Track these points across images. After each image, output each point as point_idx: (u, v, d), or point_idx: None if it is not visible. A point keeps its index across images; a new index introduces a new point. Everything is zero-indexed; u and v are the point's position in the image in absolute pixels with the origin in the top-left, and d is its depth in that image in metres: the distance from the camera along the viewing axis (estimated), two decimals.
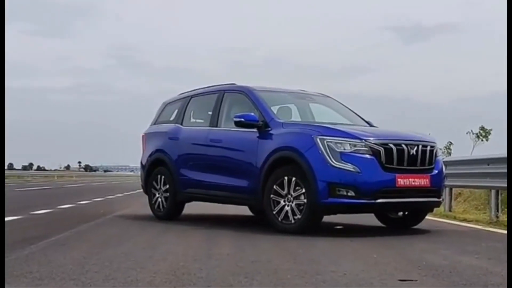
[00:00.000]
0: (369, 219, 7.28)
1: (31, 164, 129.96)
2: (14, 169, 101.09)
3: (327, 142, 6.01)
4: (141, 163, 8.58)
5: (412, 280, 3.59)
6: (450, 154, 19.96)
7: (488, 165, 8.58)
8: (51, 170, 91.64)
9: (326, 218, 6.58)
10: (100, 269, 3.82)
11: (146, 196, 8.59)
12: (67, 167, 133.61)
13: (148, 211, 8.42)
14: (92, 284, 3.33)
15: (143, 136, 8.73)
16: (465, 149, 21.48)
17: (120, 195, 17.16)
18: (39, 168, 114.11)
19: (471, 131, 21.06)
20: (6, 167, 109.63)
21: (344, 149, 6.00)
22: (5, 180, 43.27)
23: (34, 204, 11.29)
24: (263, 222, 7.32)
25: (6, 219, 7.48)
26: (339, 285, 3.43)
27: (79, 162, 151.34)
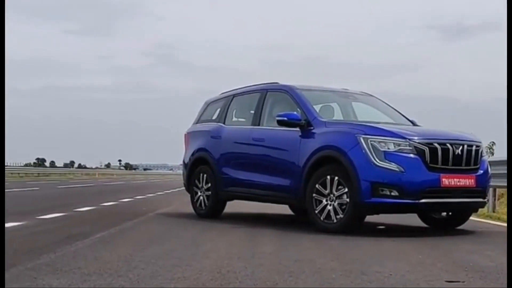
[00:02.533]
0: (412, 220, 7.20)
1: (72, 162, 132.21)
2: (56, 166, 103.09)
3: (370, 141, 5.97)
4: (184, 161, 8.66)
5: (459, 282, 3.54)
6: (492, 154, 19.60)
7: None
8: (92, 168, 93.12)
9: (368, 218, 6.53)
10: (146, 266, 3.87)
11: (187, 194, 8.67)
12: (108, 165, 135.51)
13: (189, 209, 8.49)
14: (140, 281, 3.38)
15: (185, 135, 8.80)
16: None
17: (160, 193, 17.34)
18: (80, 166, 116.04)
19: None
20: (48, 165, 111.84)
21: (388, 148, 5.95)
22: (48, 177, 44.19)
23: (77, 202, 11.50)
24: (304, 221, 7.31)
25: (52, 215, 7.65)
26: (385, 285, 3.41)
27: (120, 160, 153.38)
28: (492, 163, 9.24)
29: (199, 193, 8.09)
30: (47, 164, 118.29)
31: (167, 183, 32.65)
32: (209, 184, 7.90)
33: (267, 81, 7.75)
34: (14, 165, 63.17)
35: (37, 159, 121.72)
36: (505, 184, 9.74)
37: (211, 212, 7.92)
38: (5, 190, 17.42)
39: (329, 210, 6.17)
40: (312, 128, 6.60)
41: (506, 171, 9.38)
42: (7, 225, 6.25)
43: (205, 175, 8.00)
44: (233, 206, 8.65)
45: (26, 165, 79.78)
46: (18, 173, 47.70)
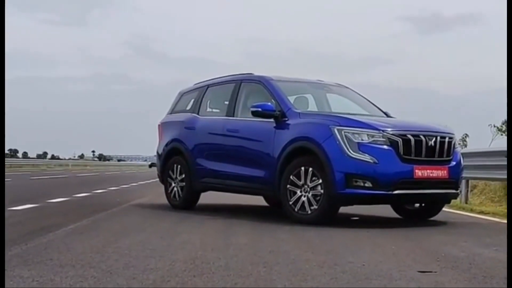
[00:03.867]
0: (385, 210, 7.26)
1: (45, 153, 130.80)
2: (29, 157, 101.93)
3: (344, 132, 5.99)
4: (157, 152, 8.61)
5: (431, 272, 3.57)
6: (465, 146, 19.84)
7: (506, 157, 8.51)
8: (65, 159, 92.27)
9: (342, 209, 6.56)
10: (119, 257, 3.84)
11: (161, 186, 8.62)
12: (81, 156, 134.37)
13: (164, 200, 8.45)
14: (112, 272, 3.35)
15: (159, 125, 8.74)
16: (481, 142, 21.31)
17: (135, 184, 17.24)
18: (53, 157, 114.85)
19: (493, 124, 20.82)
20: (21, 156, 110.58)
21: (362, 140, 5.98)
22: (20, 168, 43.64)
23: (50, 193, 11.37)
24: (279, 212, 7.33)
25: (24, 207, 7.55)
26: (358, 275, 3.42)
27: (93, 151, 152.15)
28: (465, 155, 9.36)
29: (173, 184, 8.05)
30: (19, 155, 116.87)
31: (141, 174, 32.47)
32: (183, 175, 7.87)
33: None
34: None
35: (10, 150, 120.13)
36: (478, 176, 9.88)
37: (185, 203, 7.90)
38: None
39: (303, 201, 6.18)
40: (286, 119, 6.60)
41: (479, 163, 9.50)
42: None
43: (179, 166, 7.96)
44: (208, 198, 8.63)
45: None
46: None
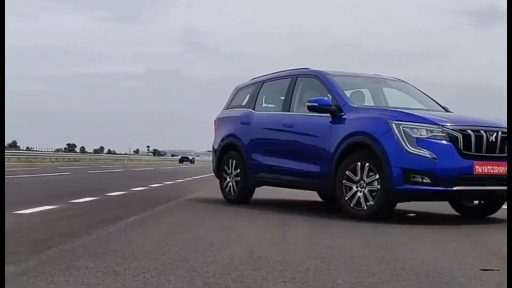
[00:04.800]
0: (443, 207, 7.14)
1: (102, 148, 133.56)
2: (86, 152, 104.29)
3: (402, 127, 5.91)
4: (213, 147, 8.69)
5: (494, 270, 3.50)
6: None
7: None
8: (121, 154, 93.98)
9: (398, 205, 6.49)
10: (179, 250, 3.90)
11: (215, 180, 8.70)
12: (136, 151, 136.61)
13: (218, 195, 8.53)
14: (173, 264, 3.41)
15: (215, 121, 8.83)
16: None
17: (189, 179, 17.46)
18: (109, 152, 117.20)
19: None
20: (78, 150, 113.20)
21: (420, 135, 5.89)
22: (78, 162, 44.75)
23: (108, 186, 11.64)
24: (333, 208, 7.30)
25: (84, 199, 7.75)
26: (419, 273, 3.38)
27: (148, 147, 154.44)
28: None
29: (228, 179, 8.12)
30: (77, 149, 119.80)
31: (194, 169, 32.84)
32: (238, 170, 7.92)
33: (298, 67, 7.72)
34: (46, 150, 64.08)
35: (68, 144, 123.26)
36: None
37: (240, 198, 7.95)
38: (38, 175, 17.71)
39: (359, 197, 6.14)
40: (343, 114, 6.56)
41: None
42: (42, 208, 6.36)
43: (234, 161, 8.02)
44: (262, 192, 8.66)
45: (57, 150, 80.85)
46: (50, 158, 48.41)
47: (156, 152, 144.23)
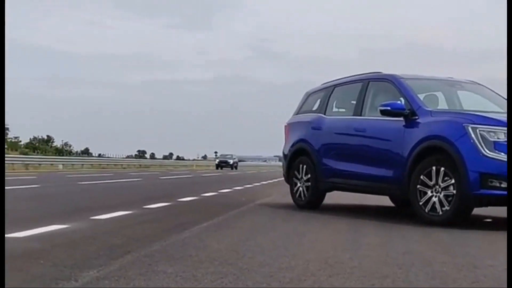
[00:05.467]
0: None
1: (171, 154, 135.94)
2: (156, 158, 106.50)
3: (479, 130, 5.75)
4: (283, 152, 8.70)
5: None
6: None
7: None
8: (189, 160, 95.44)
9: (473, 211, 6.31)
10: (254, 255, 3.92)
11: (284, 185, 8.70)
12: (204, 157, 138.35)
13: (288, 200, 8.53)
14: (249, 270, 3.42)
15: (285, 126, 8.84)
16: None
17: (257, 184, 17.52)
18: (178, 158, 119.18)
19: None
20: (148, 157, 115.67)
21: (498, 138, 5.71)
22: (148, 169, 45.68)
23: (179, 192, 11.83)
24: (406, 213, 7.18)
25: (157, 205, 7.89)
26: (500, 280, 3.28)
27: (216, 152, 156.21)
28: None
29: (299, 184, 8.10)
30: (147, 156, 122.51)
31: (262, 174, 32.97)
32: (309, 175, 7.90)
33: (367, 70, 7.66)
34: (117, 157, 65.80)
35: (138, 151, 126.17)
36: None
37: (310, 203, 7.92)
38: (112, 181, 18.19)
39: (434, 202, 6.00)
40: (416, 117, 6.44)
41: None
42: (117, 213, 6.51)
43: (304, 166, 8.01)
44: (331, 198, 8.61)
45: (128, 156, 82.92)
46: (121, 165, 49.68)
47: None
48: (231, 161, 61.40)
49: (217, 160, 63.28)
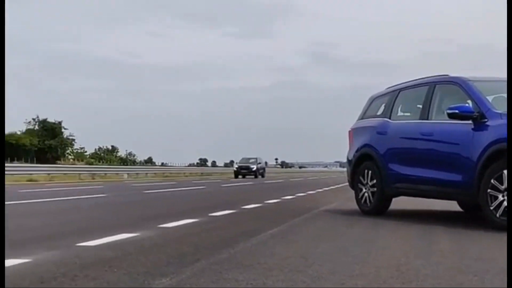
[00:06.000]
0: None
1: (232, 162, 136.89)
2: (217, 166, 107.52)
3: None
4: (348, 158, 8.62)
5: None
6: None
7: None
8: None
9: None
10: (323, 263, 3.88)
11: (347, 191, 8.61)
12: (265, 164, 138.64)
13: (352, 206, 8.44)
14: (319, 277, 3.39)
15: (349, 131, 8.76)
16: None
17: (320, 190, 17.42)
18: None
19: None
20: (210, 165, 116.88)
21: None
22: (210, 176, 46.14)
23: (243, 199, 11.89)
24: (475, 218, 6.99)
25: (222, 212, 7.94)
26: None
27: (276, 159, 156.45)
28: None
29: (364, 190, 8.01)
30: (209, 164, 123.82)
31: (323, 180, 32.77)
32: (374, 181, 7.80)
33: (427, 74, 7.52)
34: (179, 165, 66.81)
35: (200, 159, 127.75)
36: None
37: (376, 209, 7.82)
38: (175, 189, 18.44)
39: (505, 207, 5.81)
40: (486, 120, 6.26)
41: None
42: (185, 221, 6.58)
43: (370, 171, 7.91)
44: (397, 203, 8.46)
45: (190, 165, 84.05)
46: (184, 173, 50.38)
47: (284, 164, 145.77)
48: (253, 167, 44.49)
49: (236, 166, 45.86)
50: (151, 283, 3.13)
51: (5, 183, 25.97)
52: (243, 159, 46.88)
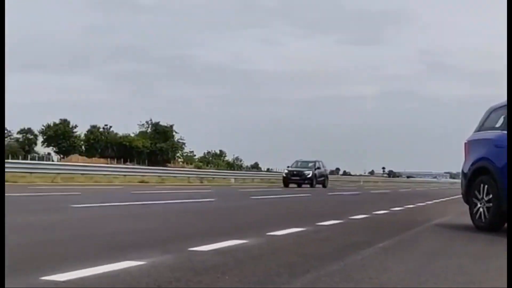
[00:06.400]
0: None
1: (337, 169, 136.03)
2: None
3: None
4: (463, 171, 8.29)
5: None
6: None
7: None
8: (356, 175, 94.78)
9: None
10: (437, 281, 3.75)
11: (460, 204, 8.27)
12: (371, 173, 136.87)
13: (466, 220, 8.11)
14: None
15: (465, 143, 8.42)
16: None
17: (430, 202, 16.91)
18: (345, 173, 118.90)
19: None
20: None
21: None
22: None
23: (350, 209, 11.76)
24: None
25: (329, 222, 7.86)
26: None
27: (383, 168, 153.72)
28: None
29: (479, 205, 7.67)
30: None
31: (433, 191, 31.81)
32: (490, 195, 7.44)
33: None
34: (280, 171, 67.14)
35: None
36: None
37: (491, 225, 7.45)
38: (281, 196, 18.53)
39: None
40: None
41: None
42: (292, 230, 6.56)
43: (486, 186, 7.56)
44: None
45: None
46: None
47: (391, 174, 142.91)
48: (308, 173, 34.64)
49: (285, 171, 36.11)
50: None
51: (120, 184, 27.19)
52: (296, 162, 37.06)
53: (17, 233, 5.65)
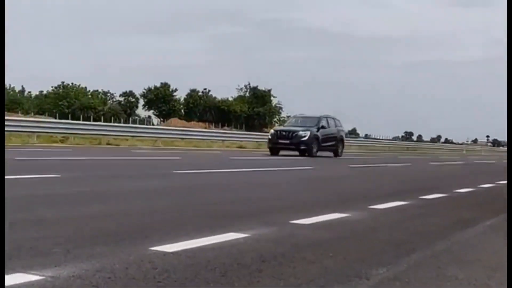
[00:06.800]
0: None
1: (439, 137, 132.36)
2: (423, 141, 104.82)
3: None
4: None
5: None
6: None
7: None
8: (458, 144, 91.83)
9: None
10: None
11: None
12: (475, 141, 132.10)
13: None
14: None
15: None
16: None
17: None
18: (446, 141, 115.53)
19: None
20: (415, 139, 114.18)
21: None
22: (415, 152, 44.92)
23: (454, 182, 11.41)
24: None
25: (433, 196, 7.61)
26: None
27: (487, 136, 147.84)
28: None
29: None
30: (414, 137, 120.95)
31: None
32: None
33: None
34: (383, 138, 66.15)
35: (405, 132, 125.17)
36: None
37: None
38: (381, 164, 18.23)
39: None
40: None
41: None
42: (393, 204, 6.40)
43: None
44: None
45: (394, 138, 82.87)
46: (388, 147, 49.85)
47: (495, 143, 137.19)
48: (304, 134, 22.96)
49: (271, 132, 24.55)
50: (369, 273, 3.07)
51: (219, 148, 27.69)
52: (291, 118, 27.16)
53: (124, 200, 5.87)
